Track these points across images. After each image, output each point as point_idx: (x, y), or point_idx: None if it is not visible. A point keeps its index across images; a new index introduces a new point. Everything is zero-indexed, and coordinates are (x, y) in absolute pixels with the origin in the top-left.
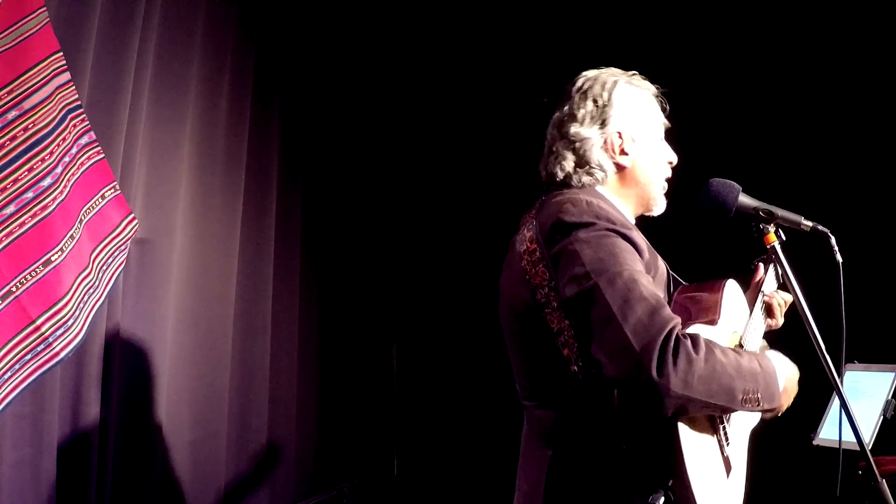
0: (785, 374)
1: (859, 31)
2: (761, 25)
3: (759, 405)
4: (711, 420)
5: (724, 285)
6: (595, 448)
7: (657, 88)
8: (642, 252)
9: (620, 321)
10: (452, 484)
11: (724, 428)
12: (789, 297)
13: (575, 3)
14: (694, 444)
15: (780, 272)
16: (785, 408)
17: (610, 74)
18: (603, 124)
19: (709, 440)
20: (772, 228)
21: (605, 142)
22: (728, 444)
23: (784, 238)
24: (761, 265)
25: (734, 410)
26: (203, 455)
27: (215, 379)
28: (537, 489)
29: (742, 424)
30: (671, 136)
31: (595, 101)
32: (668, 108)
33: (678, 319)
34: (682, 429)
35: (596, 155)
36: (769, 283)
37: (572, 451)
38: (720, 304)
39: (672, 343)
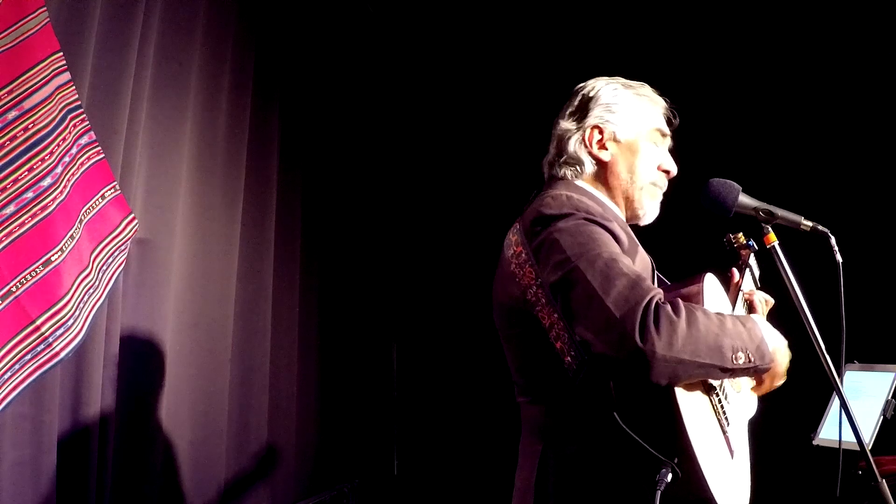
0: (773, 339)
1: (859, 25)
2: (761, 25)
3: (751, 362)
4: (710, 398)
5: (703, 278)
6: (592, 435)
7: (666, 101)
8: (621, 243)
9: (602, 297)
10: (452, 484)
11: (722, 407)
12: (770, 298)
13: (575, 3)
14: (695, 421)
15: (755, 276)
16: (781, 376)
17: (610, 79)
18: (582, 118)
19: (709, 418)
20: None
21: (582, 134)
22: (728, 425)
23: (756, 247)
24: (736, 270)
25: (729, 371)
26: (203, 455)
27: (215, 379)
28: (529, 484)
29: (740, 411)
30: (671, 136)
31: (581, 98)
32: (676, 122)
33: (659, 291)
34: (682, 404)
35: (573, 147)
36: (746, 284)
37: (566, 442)
38: (702, 295)
39: (652, 309)
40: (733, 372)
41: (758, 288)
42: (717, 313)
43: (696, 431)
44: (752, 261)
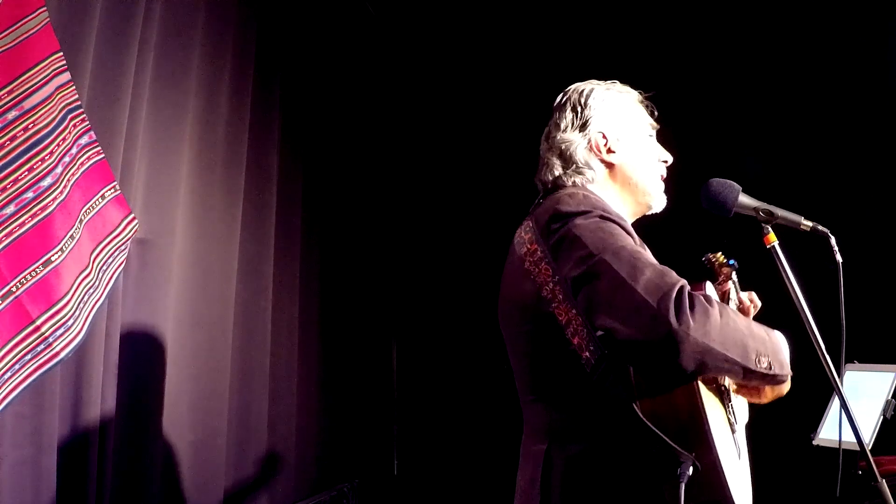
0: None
1: (859, 24)
2: (761, 25)
3: (770, 369)
4: (722, 398)
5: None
6: (603, 432)
7: (640, 93)
8: (634, 242)
9: (632, 284)
10: (452, 484)
11: (732, 408)
12: (757, 301)
13: (577, 3)
14: (713, 417)
15: (738, 290)
16: (782, 392)
17: (587, 84)
18: (584, 127)
19: (722, 418)
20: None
21: (590, 142)
22: (737, 423)
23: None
24: (728, 283)
25: (750, 373)
26: (203, 455)
27: (215, 379)
28: (533, 485)
29: (742, 416)
30: (671, 137)
31: (574, 109)
32: (655, 111)
33: (685, 281)
34: (705, 398)
35: (582, 155)
36: (733, 294)
37: (572, 441)
38: None
39: (686, 294)
40: (752, 375)
41: (738, 303)
42: (746, 318)
43: (715, 427)
44: (734, 277)
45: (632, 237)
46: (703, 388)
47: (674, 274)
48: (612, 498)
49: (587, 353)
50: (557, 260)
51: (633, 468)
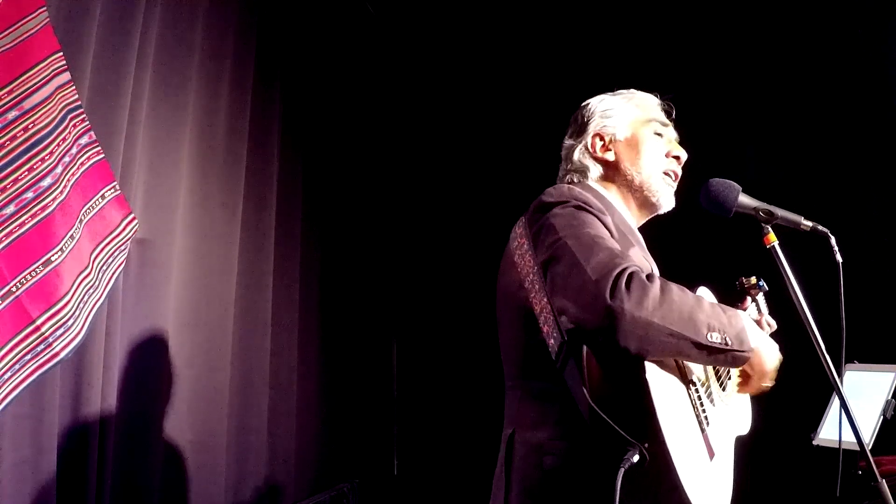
0: (759, 337)
1: (859, 26)
2: (762, 25)
3: (727, 345)
4: (688, 391)
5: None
6: (561, 420)
7: (656, 95)
8: (612, 235)
9: (584, 265)
10: (452, 484)
11: (702, 404)
12: (773, 323)
13: (577, 4)
14: (668, 406)
15: (763, 308)
16: (768, 376)
17: (597, 96)
18: (581, 132)
19: (685, 410)
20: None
21: (585, 145)
22: (708, 426)
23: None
24: (748, 298)
25: (703, 349)
26: (203, 455)
27: (215, 379)
28: (500, 470)
29: (725, 418)
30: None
31: (576, 118)
32: (672, 112)
33: (639, 266)
34: (653, 384)
35: (578, 157)
36: (751, 312)
37: (532, 427)
38: None
39: (627, 273)
40: (709, 351)
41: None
42: (697, 295)
43: (668, 417)
44: (761, 297)
45: (609, 230)
46: (662, 381)
47: (628, 258)
48: (566, 488)
49: (552, 341)
50: (535, 249)
51: (587, 459)
